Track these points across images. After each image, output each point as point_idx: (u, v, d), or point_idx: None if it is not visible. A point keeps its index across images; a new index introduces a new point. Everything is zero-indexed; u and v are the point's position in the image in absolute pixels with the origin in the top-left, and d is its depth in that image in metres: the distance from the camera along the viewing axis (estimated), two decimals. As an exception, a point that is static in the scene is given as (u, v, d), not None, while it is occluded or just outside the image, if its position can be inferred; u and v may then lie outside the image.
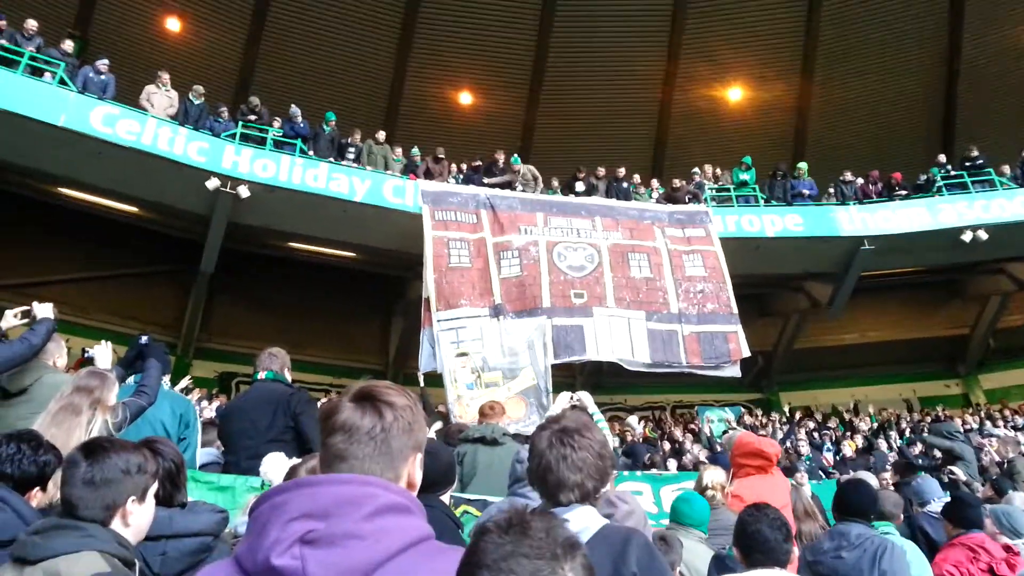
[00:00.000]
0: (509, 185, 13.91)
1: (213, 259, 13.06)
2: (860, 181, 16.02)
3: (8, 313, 4.19)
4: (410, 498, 1.33)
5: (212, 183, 11.63)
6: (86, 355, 4.24)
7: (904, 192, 15.66)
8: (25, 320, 4.16)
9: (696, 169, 15.93)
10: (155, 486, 2.07)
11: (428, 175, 13.80)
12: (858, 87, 19.97)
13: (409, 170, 13.93)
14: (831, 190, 16.00)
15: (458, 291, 11.35)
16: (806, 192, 15.35)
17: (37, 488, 2.38)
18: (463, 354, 10.58)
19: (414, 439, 1.41)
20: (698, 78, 20.37)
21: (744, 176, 15.68)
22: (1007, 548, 3.87)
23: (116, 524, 1.94)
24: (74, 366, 5.22)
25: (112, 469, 1.95)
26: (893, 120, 20.09)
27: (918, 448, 10.63)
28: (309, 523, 1.22)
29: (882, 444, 12.26)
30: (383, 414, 1.37)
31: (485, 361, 10.68)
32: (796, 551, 2.68)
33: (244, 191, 11.77)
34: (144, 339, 3.99)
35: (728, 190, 15.36)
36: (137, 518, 1.98)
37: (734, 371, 12.07)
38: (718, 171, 16.04)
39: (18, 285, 13.04)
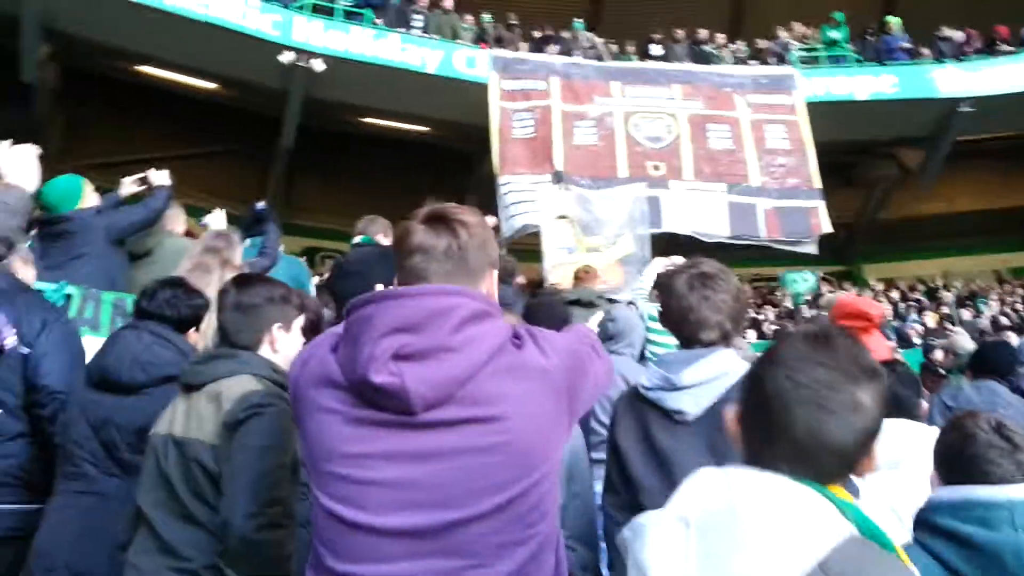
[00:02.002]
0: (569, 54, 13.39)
1: (292, 135, 13.20)
2: (960, 36, 14.78)
3: (125, 180, 4.40)
4: (490, 302, 1.38)
5: (286, 57, 11.58)
6: (202, 223, 4.44)
7: (1010, 49, 14.41)
8: (142, 187, 4.36)
9: (781, 29, 14.95)
10: (301, 319, 2.19)
11: (499, 43, 13.40)
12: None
13: (480, 38, 13.54)
14: (926, 50, 14.83)
15: (518, 159, 11.25)
16: (903, 45, 14.26)
17: (192, 328, 2.57)
18: (563, 217, 10.56)
19: (488, 255, 1.44)
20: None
21: (834, 34, 14.64)
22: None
23: (265, 350, 2.09)
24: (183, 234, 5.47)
25: (257, 295, 2.09)
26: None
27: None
28: (401, 337, 1.27)
29: (965, 314, 12.00)
30: (457, 233, 1.39)
31: (586, 225, 10.64)
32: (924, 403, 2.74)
33: (318, 65, 11.70)
34: (261, 205, 4.14)
35: (816, 50, 14.43)
36: (284, 345, 2.11)
37: (812, 248, 11.76)
38: (806, 30, 15.00)
39: (109, 164, 13.50)
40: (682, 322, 2.02)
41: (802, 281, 13.92)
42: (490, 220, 5.03)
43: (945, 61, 14.12)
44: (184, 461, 1.90)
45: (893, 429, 2.58)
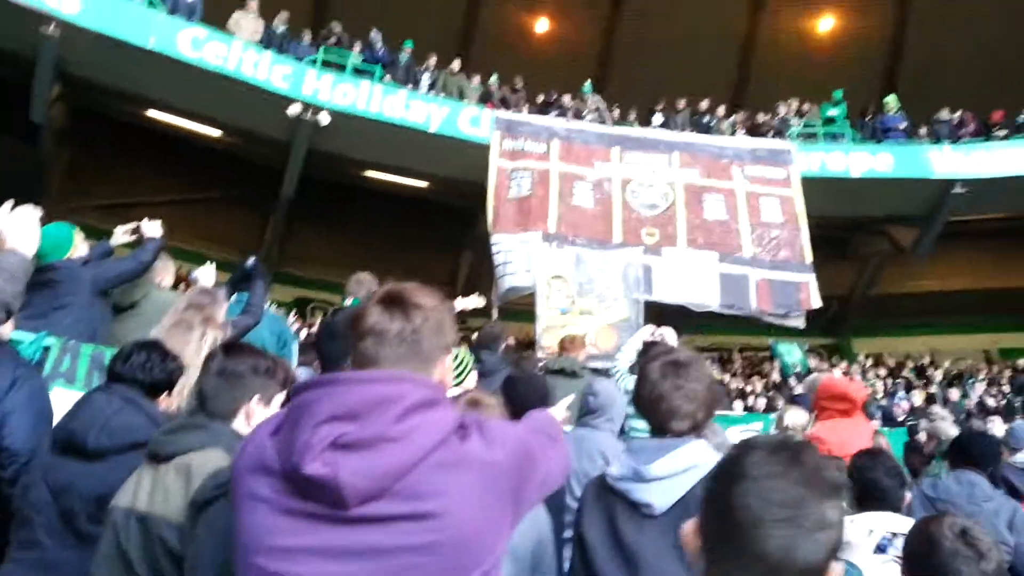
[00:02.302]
0: (578, 116, 13.65)
1: (293, 185, 13.36)
2: (956, 117, 15.10)
3: (118, 230, 4.40)
4: (438, 390, 1.35)
5: (294, 109, 11.81)
6: (191, 277, 4.44)
7: (1004, 133, 14.74)
8: (134, 237, 4.37)
9: (781, 104, 15.30)
10: (281, 396, 2.15)
11: (504, 104, 13.67)
12: (959, 17, 18.54)
13: (486, 99, 13.82)
14: (923, 130, 15.16)
15: (511, 217, 11.29)
16: (900, 126, 14.56)
17: (165, 393, 2.53)
18: (557, 277, 10.54)
19: (444, 340, 1.40)
20: (788, 5, 19.35)
21: (832, 112, 14.97)
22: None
23: (240, 422, 2.04)
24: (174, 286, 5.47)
25: (243, 364, 2.06)
26: (996, 54, 18.62)
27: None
28: (339, 426, 1.22)
29: (953, 394, 11.95)
30: (411, 316, 1.36)
31: (581, 286, 10.60)
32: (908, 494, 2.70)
33: (325, 118, 11.92)
34: (251, 262, 4.15)
35: (814, 126, 14.72)
36: (259, 419, 2.05)
37: (799, 322, 11.77)
38: (805, 106, 15.36)
39: (110, 206, 13.60)
40: (654, 410, 2.02)
41: (790, 354, 13.94)
42: (476, 300, 5.08)
43: (941, 142, 14.40)
44: (147, 538, 1.83)
45: (876, 521, 2.55)
